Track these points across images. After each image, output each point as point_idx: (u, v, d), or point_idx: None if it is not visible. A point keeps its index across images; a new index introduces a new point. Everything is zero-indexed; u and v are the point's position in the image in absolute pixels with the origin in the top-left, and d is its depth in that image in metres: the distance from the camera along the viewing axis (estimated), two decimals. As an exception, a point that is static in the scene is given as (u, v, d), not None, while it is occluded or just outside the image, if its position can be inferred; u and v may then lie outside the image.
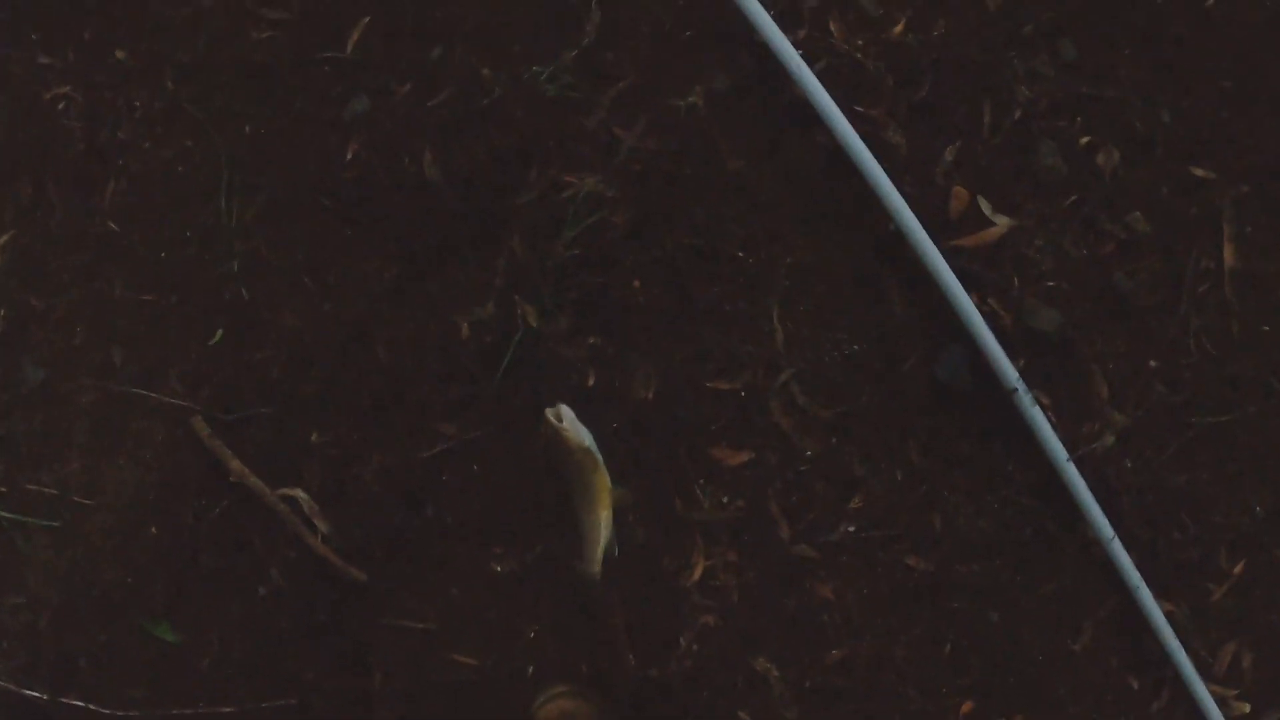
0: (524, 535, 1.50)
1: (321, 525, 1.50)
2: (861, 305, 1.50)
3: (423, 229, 1.53)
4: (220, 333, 1.55)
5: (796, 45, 1.55)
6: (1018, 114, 1.51)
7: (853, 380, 1.48)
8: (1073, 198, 1.50)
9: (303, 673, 1.50)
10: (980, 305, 1.48)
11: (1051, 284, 1.49)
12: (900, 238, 1.46)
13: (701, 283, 1.51)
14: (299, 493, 1.50)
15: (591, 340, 1.51)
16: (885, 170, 1.47)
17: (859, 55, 1.52)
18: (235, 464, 1.51)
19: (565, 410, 1.34)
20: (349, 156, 1.56)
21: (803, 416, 1.48)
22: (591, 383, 1.50)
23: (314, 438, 1.52)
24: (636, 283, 1.52)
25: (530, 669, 1.48)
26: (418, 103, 1.58)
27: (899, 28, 1.54)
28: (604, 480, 1.35)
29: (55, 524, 1.55)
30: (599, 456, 1.34)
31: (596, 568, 1.36)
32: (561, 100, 1.54)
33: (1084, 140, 1.51)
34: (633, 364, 1.50)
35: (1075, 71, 1.55)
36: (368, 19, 1.61)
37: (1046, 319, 1.48)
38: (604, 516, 1.34)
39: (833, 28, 1.54)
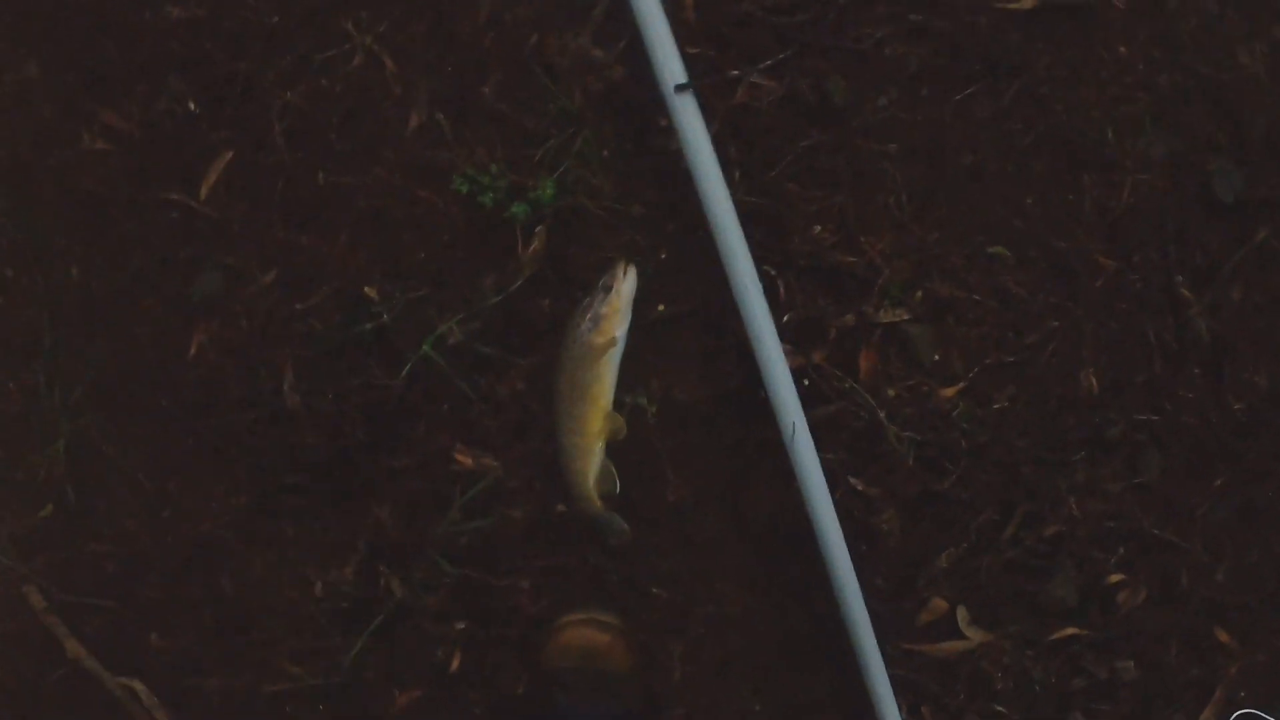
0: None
1: (162, 718, 1.40)
2: (778, 672, 1.23)
3: (277, 462, 1.23)
4: (50, 507, 1.33)
5: (804, 371, 1.10)
6: (1050, 531, 1.12)
7: (750, 741, 1.26)
8: (1068, 631, 1.16)
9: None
10: (910, 713, 1.21)
11: (1001, 709, 1.19)
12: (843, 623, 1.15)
13: (601, 604, 1.23)
14: (138, 685, 1.38)
15: (461, 626, 1.27)
16: (853, 557, 1.11)
17: (883, 412, 1.08)
18: (71, 643, 1.37)
19: (633, 273, 1.08)
20: (193, 350, 1.21)
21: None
22: (456, 666, 1.29)
23: (154, 639, 1.36)
24: (526, 586, 1.24)
25: None
26: (282, 300, 1.19)
27: (952, 389, 1.08)
28: (604, 395, 1.10)
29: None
30: (617, 362, 1.09)
31: (595, 501, 1.14)
32: (468, 350, 1.15)
33: (1114, 578, 1.13)
34: (505, 658, 1.28)
35: (1144, 496, 1.15)
36: (230, 154, 1.16)
37: (985, 751, 1.21)
38: (597, 442, 1.11)
39: (862, 363, 1.08)
